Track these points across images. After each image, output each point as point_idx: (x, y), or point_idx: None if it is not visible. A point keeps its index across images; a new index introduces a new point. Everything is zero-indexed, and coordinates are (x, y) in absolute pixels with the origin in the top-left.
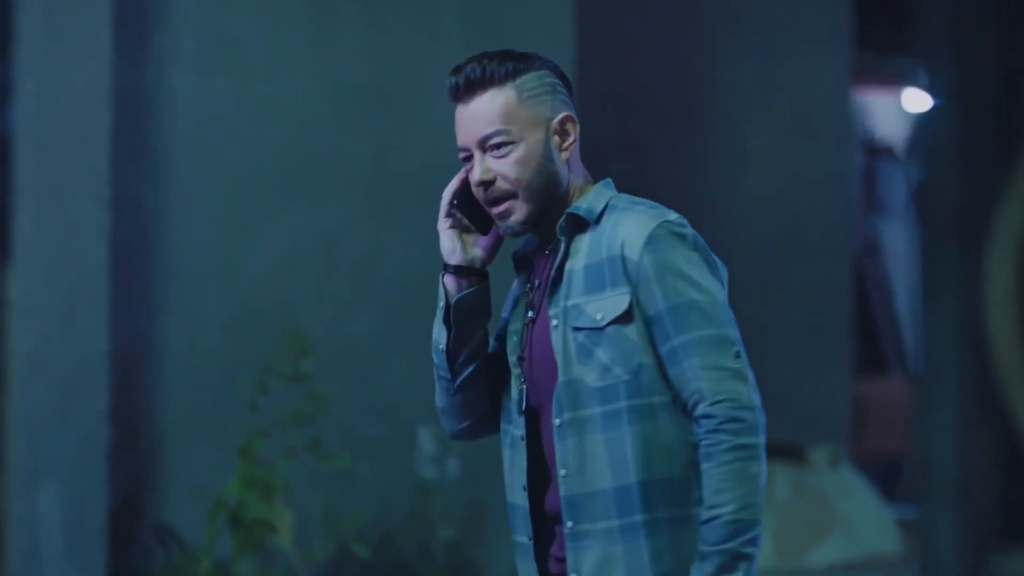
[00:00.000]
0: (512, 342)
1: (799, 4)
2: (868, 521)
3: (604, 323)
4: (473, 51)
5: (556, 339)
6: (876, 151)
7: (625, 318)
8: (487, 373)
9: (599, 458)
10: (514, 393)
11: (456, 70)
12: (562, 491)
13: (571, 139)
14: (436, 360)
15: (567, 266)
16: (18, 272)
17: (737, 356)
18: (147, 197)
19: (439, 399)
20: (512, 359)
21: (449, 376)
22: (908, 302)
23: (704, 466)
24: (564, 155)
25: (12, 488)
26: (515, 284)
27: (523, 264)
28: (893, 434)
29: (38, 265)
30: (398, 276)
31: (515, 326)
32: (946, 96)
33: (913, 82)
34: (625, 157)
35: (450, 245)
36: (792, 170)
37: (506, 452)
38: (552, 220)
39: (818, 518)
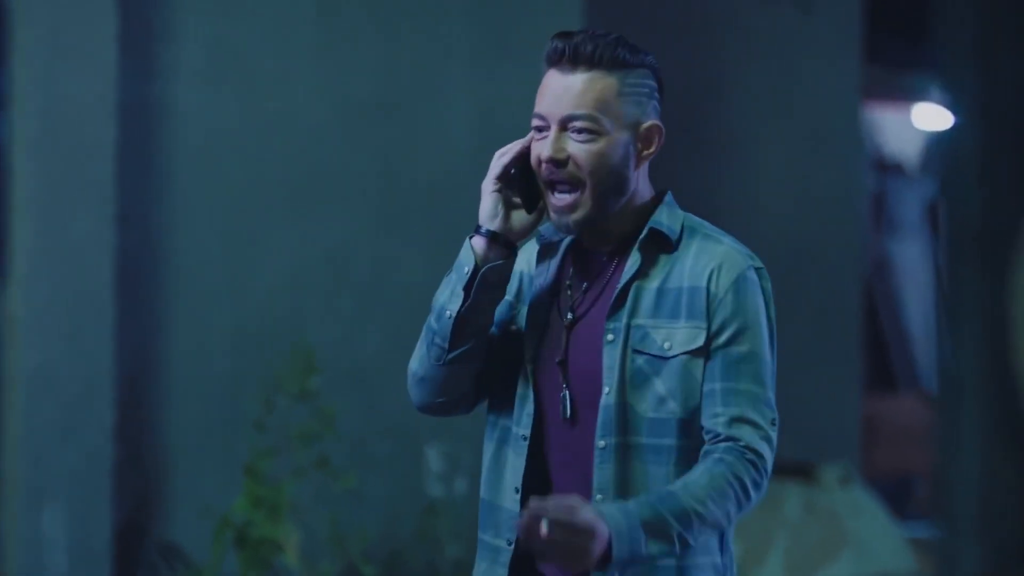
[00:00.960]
0: (532, 337)
1: (809, 18)
2: (879, 540)
3: (672, 353)
4: (481, 64)
5: (610, 355)
6: (886, 167)
7: (697, 353)
8: (482, 354)
9: (640, 491)
10: (526, 392)
11: (565, 35)
12: None
13: (652, 150)
14: (436, 326)
15: (635, 282)
16: (22, 289)
17: (773, 423)
18: (152, 212)
19: (420, 367)
20: (528, 354)
21: (445, 347)
22: (920, 319)
23: (708, 466)
24: (640, 164)
25: (16, 507)
26: (533, 272)
27: (548, 254)
28: (903, 452)
29: (42, 282)
30: (406, 292)
31: (537, 320)
32: (967, 113)
33: (924, 97)
34: None
35: (492, 209)
36: (802, 186)
37: (496, 449)
38: (608, 225)
39: (829, 536)
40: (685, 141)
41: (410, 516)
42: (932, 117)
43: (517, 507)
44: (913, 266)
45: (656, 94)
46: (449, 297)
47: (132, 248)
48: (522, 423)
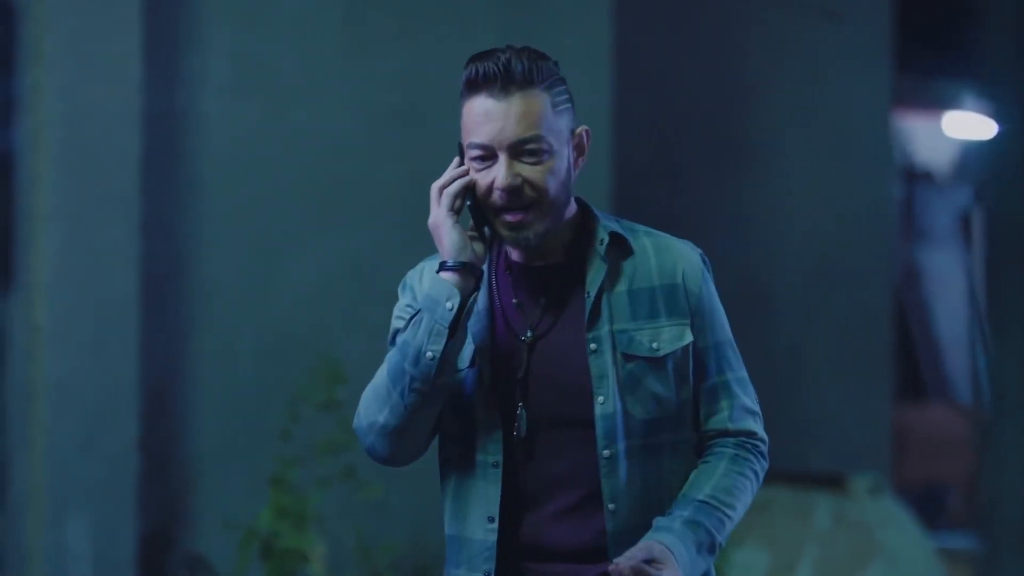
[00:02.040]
0: (483, 362)
1: (839, 27)
2: (909, 551)
3: (662, 353)
4: None
5: (598, 364)
6: (916, 176)
7: (686, 349)
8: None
9: (646, 493)
10: (489, 418)
11: (486, 56)
12: (609, 526)
13: (584, 155)
14: (415, 371)
15: (597, 290)
16: (46, 299)
17: (757, 401)
18: (178, 223)
19: (393, 417)
20: (486, 379)
21: (426, 390)
22: (950, 329)
23: (728, 465)
24: (576, 170)
25: (40, 518)
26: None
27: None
28: (933, 462)
29: (66, 292)
30: None
31: (482, 344)
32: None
33: (955, 105)
34: (663, 183)
35: (460, 241)
36: (831, 196)
37: (457, 480)
38: (549, 239)
39: (858, 547)
40: (712, 150)
41: (437, 528)
42: (963, 125)
43: (493, 537)
44: (943, 275)
45: (571, 97)
46: (427, 337)
47: (157, 258)
48: (489, 450)
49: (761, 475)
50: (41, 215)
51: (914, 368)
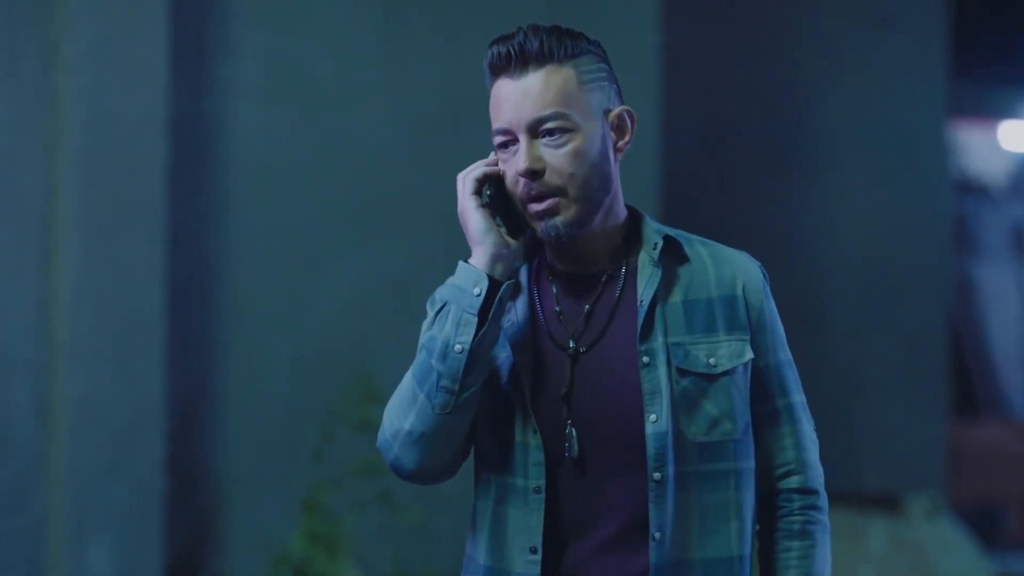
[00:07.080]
0: (525, 376)
1: (892, 35)
2: (967, 575)
3: (719, 370)
4: None
5: (651, 379)
6: (970, 188)
7: (746, 367)
8: (478, 396)
9: (700, 523)
10: (530, 438)
11: (504, 39)
12: (653, 558)
13: (627, 139)
14: (442, 367)
15: (651, 298)
16: (68, 313)
17: (816, 430)
18: (206, 233)
19: (420, 421)
20: (527, 395)
21: (455, 388)
22: (1004, 344)
23: (798, 542)
24: (619, 155)
25: (60, 542)
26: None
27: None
28: (986, 480)
29: (89, 305)
30: None
31: (523, 357)
32: None
33: (1012, 115)
34: (714, 194)
35: (485, 224)
36: (884, 208)
37: (494, 507)
38: (595, 243)
39: (916, 571)
40: (763, 161)
41: None
42: (1020, 135)
43: (535, 570)
44: (997, 290)
45: (613, 77)
46: (455, 329)
47: (184, 271)
48: (531, 474)
49: (829, 530)
50: (61, 225)
51: (968, 385)
